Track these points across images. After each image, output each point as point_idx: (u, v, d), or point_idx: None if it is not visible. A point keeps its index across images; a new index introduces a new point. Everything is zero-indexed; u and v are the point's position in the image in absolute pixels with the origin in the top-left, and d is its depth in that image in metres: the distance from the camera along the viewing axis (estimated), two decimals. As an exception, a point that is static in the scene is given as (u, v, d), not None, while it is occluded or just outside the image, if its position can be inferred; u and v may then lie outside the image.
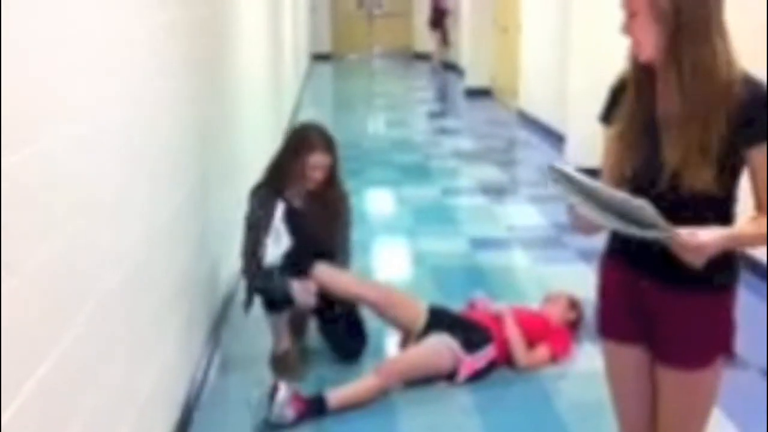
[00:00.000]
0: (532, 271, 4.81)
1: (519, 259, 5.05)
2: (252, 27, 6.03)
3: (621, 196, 1.76)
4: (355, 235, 5.28)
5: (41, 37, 1.78)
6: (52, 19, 1.85)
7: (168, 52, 3.08)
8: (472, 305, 3.80)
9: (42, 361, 1.72)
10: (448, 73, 14.71)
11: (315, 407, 3.13)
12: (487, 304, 3.75)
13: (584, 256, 4.96)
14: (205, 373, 3.45)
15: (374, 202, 6.57)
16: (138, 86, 2.60)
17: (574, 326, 3.77)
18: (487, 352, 3.45)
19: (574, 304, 3.82)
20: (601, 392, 3.35)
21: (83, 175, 2.03)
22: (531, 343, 3.56)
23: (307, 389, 3.30)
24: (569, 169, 1.84)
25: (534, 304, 3.91)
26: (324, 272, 3.47)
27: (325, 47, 17.80)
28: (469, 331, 3.47)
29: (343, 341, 3.60)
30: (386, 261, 5.10)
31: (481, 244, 5.24)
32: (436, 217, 5.94)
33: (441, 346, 3.40)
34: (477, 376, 3.40)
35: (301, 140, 3.49)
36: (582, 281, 4.53)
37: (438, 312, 3.62)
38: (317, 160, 3.42)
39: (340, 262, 3.61)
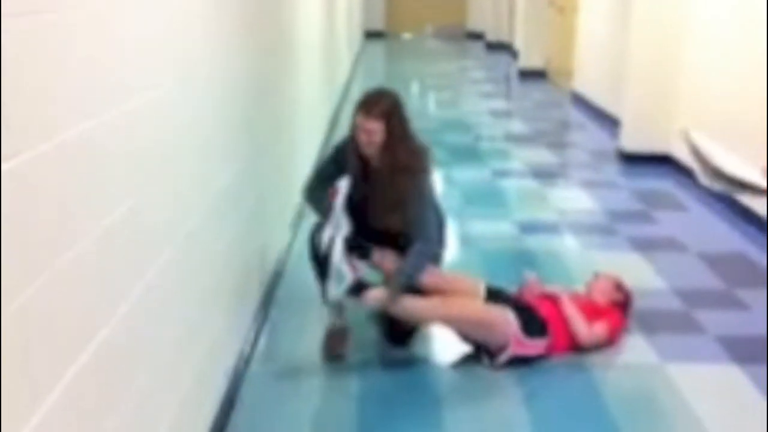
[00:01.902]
0: (582, 257, 4.74)
1: (569, 244, 4.98)
2: (307, 3, 6.02)
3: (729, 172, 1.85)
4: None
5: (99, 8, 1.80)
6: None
7: (221, 23, 3.08)
8: (524, 286, 3.76)
9: (99, 330, 1.75)
10: (501, 53, 14.54)
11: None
12: (538, 286, 3.71)
13: (635, 243, 4.87)
14: (253, 346, 3.48)
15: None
16: (192, 60, 2.61)
17: (621, 307, 3.69)
18: (541, 344, 3.41)
19: (619, 286, 3.75)
20: (649, 385, 3.32)
21: (139, 147, 2.05)
22: (589, 321, 3.52)
23: (351, 367, 3.32)
24: (699, 141, 1.95)
25: (580, 288, 3.85)
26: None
27: (379, 25, 17.73)
28: (529, 317, 3.43)
29: (390, 329, 3.55)
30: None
31: (530, 227, 5.18)
32: (485, 199, 5.88)
33: (507, 315, 3.37)
34: (517, 361, 3.36)
35: (359, 101, 3.39)
36: (633, 269, 4.46)
37: (497, 292, 3.57)
38: (358, 121, 3.32)
39: (418, 252, 3.34)
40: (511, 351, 3.35)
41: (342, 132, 7.85)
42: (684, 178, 6.28)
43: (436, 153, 7.23)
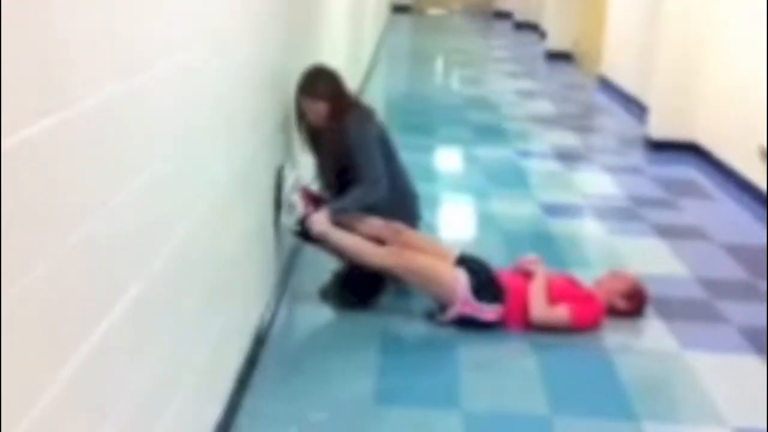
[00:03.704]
0: (605, 242, 4.71)
1: (591, 228, 4.95)
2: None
3: None
4: (426, 191, 5.29)
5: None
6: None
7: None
8: (518, 263, 3.74)
9: (123, 294, 1.75)
10: (528, 33, 14.41)
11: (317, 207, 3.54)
12: (532, 265, 3.67)
13: (659, 230, 4.84)
14: (274, 314, 3.50)
15: (446, 160, 6.51)
16: (219, 30, 2.59)
17: (621, 313, 3.61)
18: (492, 310, 3.44)
19: (631, 296, 3.63)
20: (667, 371, 3.31)
21: (166, 116, 2.04)
22: (554, 302, 3.49)
23: (369, 338, 3.35)
24: None
25: (601, 274, 3.82)
26: (325, 227, 3.54)
27: (406, -1, 17.61)
28: (485, 282, 3.48)
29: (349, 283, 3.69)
30: (456, 220, 5.07)
31: (553, 210, 5.16)
32: (508, 179, 5.85)
33: (457, 274, 3.46)
34: (469, 325, 3.43)
35: (300, 81, 3.63)
36: (655, 256, 4.45)
37: (467, 258, 3.62)
38: (305, 105, 3.62)
39: (363, 189, 3.60)
40: (458, 309, 3.42)
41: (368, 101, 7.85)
42: (710, 167, 6.22)
43: (460, 131, 7.26)
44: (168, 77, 2.00)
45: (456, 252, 3.66)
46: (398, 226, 3.67)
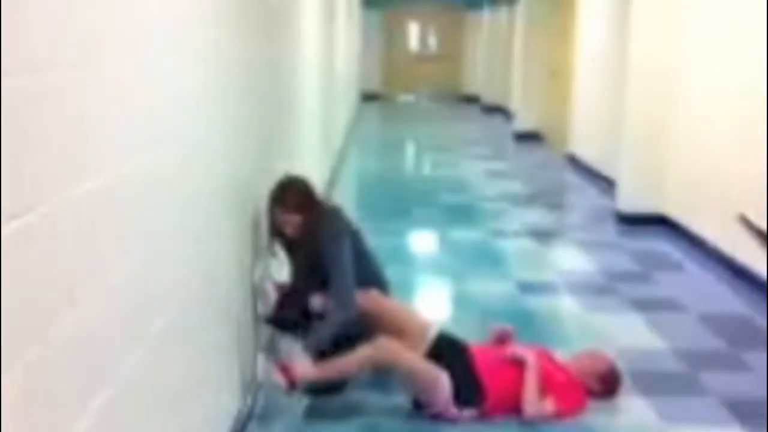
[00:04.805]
0: (581, 318, 4.72)
1: (568, 305, 4.96)
2: (308, 65, 6.11)
3: None
4: (401, 274, 5.29)
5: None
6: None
7: (225, 77, 3.12)
8: (499, 339, 3.74)
9: (93, 398, 1.72)
10: (496, 116, 14.72)
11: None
12: (510, 340, 3.70)
13: (635, 304, 4.86)
14: (252, 407, 3.43)
15: (421, 243, 6.54)
16: (193, 117, 2.64)
17: (594, 395, 3.57)
18: (471, 413, 3.41)
19: (606, 379, 3.59)
20: (652, 446, 3.27)
21: (133, 216, 2.06)
22: (542, 390, 3.47)
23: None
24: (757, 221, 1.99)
25: (579, 352, 3.80)
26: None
27: (375, 87, 17.99)
28: (466, 383, 3.43)
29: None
30: (433, 301, 5.06)
31: (529, 287, 5.17)
32: (483, 259, 5.88)
33: (441, 379, 3.39)
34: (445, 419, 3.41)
35: (273, 193, 3.65)
36: (632, 330, 4.45)
37: (449, 343, 3.58)
38: (278, 216, 3.65)
39: (335, 312, 3.56)
40: (437, 411, 3.39)
41: (337, 192, 7.92)
42: (680, 239, 6.30)
43: (434, 213, 7.33)
44: (134, 179, 2.02)
45: (434, 330, 3.60)
46: (373, 293, 3.67)
